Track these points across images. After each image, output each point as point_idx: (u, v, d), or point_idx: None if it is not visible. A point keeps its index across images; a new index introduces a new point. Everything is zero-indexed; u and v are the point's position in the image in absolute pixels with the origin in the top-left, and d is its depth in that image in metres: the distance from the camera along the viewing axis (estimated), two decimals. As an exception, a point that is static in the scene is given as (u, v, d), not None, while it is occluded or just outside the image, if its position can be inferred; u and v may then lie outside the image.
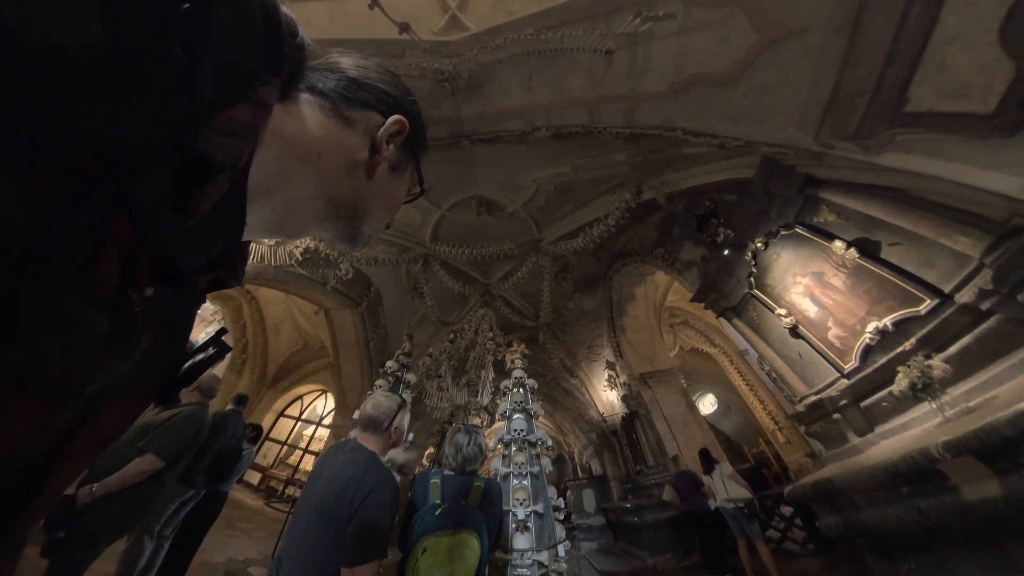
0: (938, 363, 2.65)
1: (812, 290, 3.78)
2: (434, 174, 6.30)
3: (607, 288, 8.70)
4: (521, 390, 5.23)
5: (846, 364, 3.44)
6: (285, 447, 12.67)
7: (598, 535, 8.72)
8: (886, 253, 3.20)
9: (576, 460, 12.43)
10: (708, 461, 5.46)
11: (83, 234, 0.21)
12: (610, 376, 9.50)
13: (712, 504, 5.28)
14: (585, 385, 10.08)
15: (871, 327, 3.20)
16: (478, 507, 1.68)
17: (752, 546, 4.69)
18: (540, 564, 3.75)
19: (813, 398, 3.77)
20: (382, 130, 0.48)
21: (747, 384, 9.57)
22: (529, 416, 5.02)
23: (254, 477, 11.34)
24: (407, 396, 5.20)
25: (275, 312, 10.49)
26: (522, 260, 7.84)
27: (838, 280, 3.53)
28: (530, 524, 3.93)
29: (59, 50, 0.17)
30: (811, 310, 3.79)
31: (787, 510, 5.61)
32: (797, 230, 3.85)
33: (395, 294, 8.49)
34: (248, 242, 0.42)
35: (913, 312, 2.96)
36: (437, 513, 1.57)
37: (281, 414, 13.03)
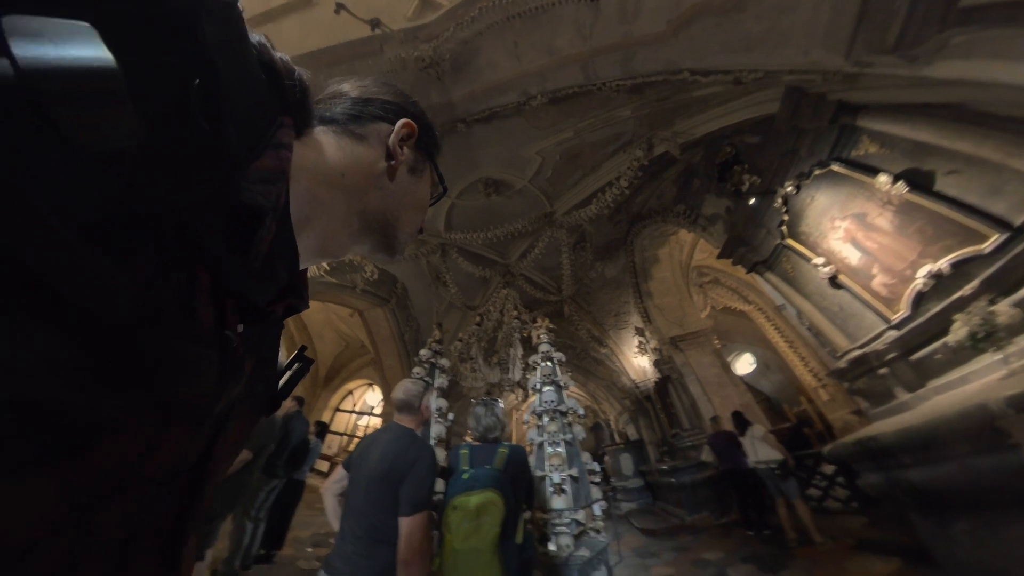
0: (1004, 308, 2.24)
1: (853, 234, 3.34)
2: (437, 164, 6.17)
3: (629, 253, 8.30)
4: (549, 363, 5.18)
5: (894, 314, 3.05)
6: (345, 437, 13.77)
7: (637, 496, 8.73)
8: (941, 184, 2.72)
9: (613, 427, 12.40)
10: (741, 423, 5.21)
11: (178, 291, 0.24)
12: (640, 342, 9.22)
13: (750, 463, 5.08)
14: (615, 353, 9.88)
15: (924, 271, 2.79)
16: (502, 469, 1.84)
17: (791, 504, 4.48)
18: (577, 523, 3.80)
19: (857, 353, 3.40)
20: (392, 136, 0.51)
21: (786, 341, 8.98)
22: (559, 387, 4.98)
23: (323, 466, 12.40)
24: (443, 380, 5.35)
25: (316, 321, 11.05)
26: (537, 236, 7.60)
27: (884, 220, 3.08)
28: (566, 487, 3.98)
29: (119, 153, 0.20)
30: (853, 257, 3.36)
31: (829, 468, 5.29)
32: (833, 168, 3.36)
33: (420, 286, 8.58)
34: (306, 269, 0.45)
35: (975, 251, 2.52)
36: (465, 477, 1.77)
37: (337, 409, 14.00)
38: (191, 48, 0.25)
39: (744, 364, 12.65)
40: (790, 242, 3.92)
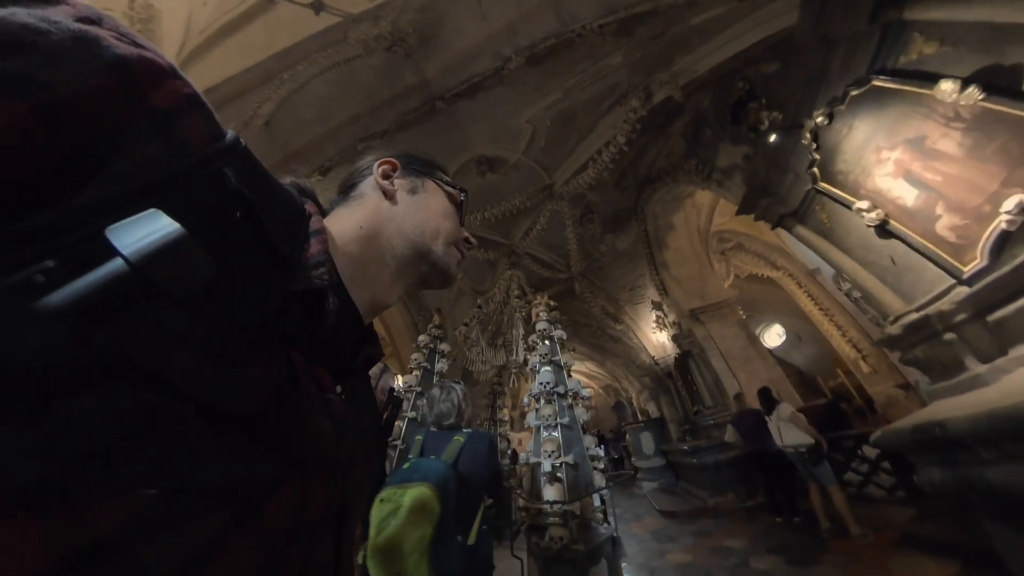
0: None
1: (908, 167, 2.59)
2: (424, 149, 5.91)
3: (640, 222, 7.55)
4: (547, 342, 4.72)
5: (965, 265, 2.33)
6: None
7: (659, 475, 8.24)
8: (1035, 81, 1.96)
9: (635, 405, 11.85)
10: (768, 401, 4.55)
11: (287, 374, 0.31)
12: (658, 317, 8.54)
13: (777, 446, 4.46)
14: (632, 329, 9.24)
15: (1010, 204, 2.05)
16: (451, 462, 1.67)
17: (825, 490, 3.86)
18: (573, 514, 3.37)
19: (914, 316, 2.69)
20: (378, 177, 0.56)
21: (820, 309, 8.01)
22: (559, 367, 4.53)
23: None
24: (443, 365, 5.13)
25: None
26: (538, 211, 7.04)
27: (950, 143, 2.33)
28: (560, 475, 3.52)
29: (207, 286, 0.25)
30: (907, 196, 2.62)
31: (872, 451, 4.57)
32: (876, 83, 2.58)
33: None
34: (371, 323, 0.51)
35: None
36: (405, 467, 1.62)
37: None
38: (226, 190, 0.29)
39: (773, 336, 11.65)
40: (824, 186, 3.17)
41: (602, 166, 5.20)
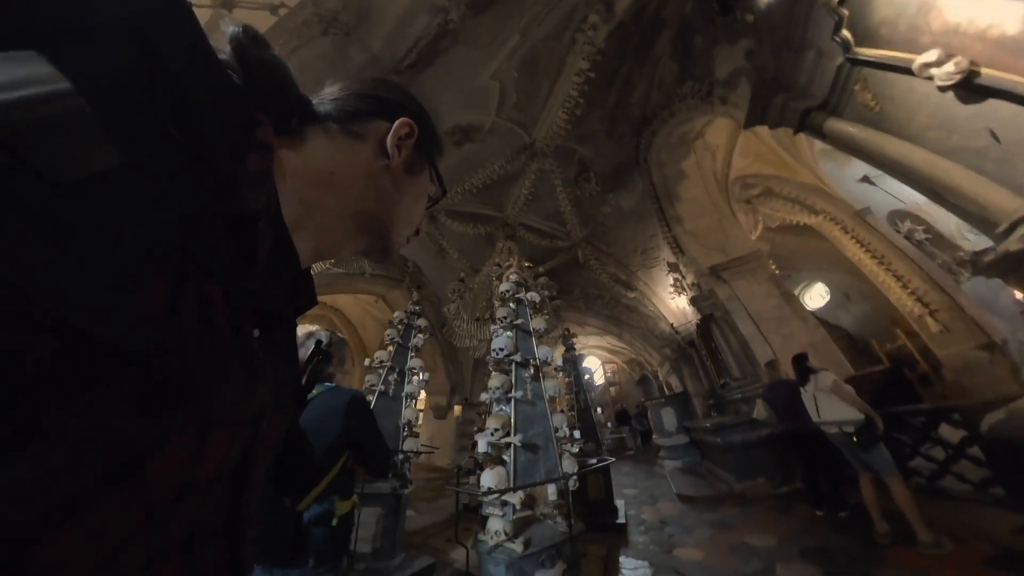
0: None
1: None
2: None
3: (645, 174, 6.45)
4: (513, 305, 3.97)
5: None
6: None
7: (682, 453, 7.30)
8: None
9: (661, 379, 10.79)
10: (802, 369, 3.53)
11: (195, 310, 0.24)
12: (675, 280, 7.44)
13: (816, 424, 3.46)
14: (647, 296, 8.19)
15: None
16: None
17: (882, 481, 2.85)
18: (515, 507, 2.70)
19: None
20: (390, 135, 0.46)
21: (874, 257, 6.51)
22: (526, 333, 3.78)
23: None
24: (419, 340, 4.74)
25: (355, 314, 11.22)
26: (524, 173, 6.19)
27: None
28: (506, 457, 2.90)
29: (93, 179, 0.18)
30: (1009, 16, 1.55)
31: (953, 432, 3.41)
32: None
33: (429, 259, 7.90)
34: (308, 268, 0.44)
35: None
36: None
37: None
38: (148, 60, 0.23)
39: (815, 297, 10.05)
40: (863, 51, 2.11)
41: (572, 103, 4.35)
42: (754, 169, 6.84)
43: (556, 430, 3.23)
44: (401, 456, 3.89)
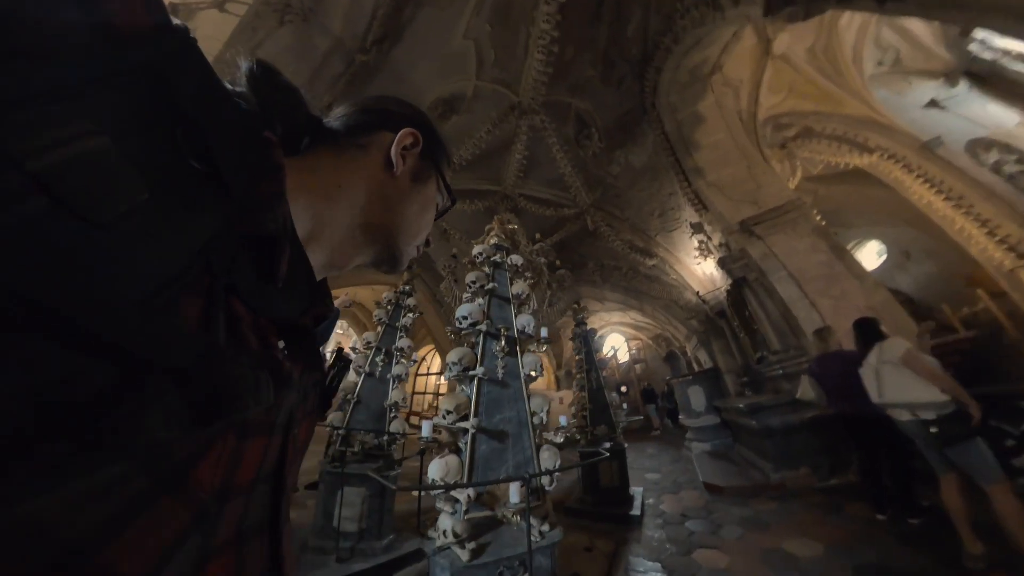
0: None
1: None
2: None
3: (654, 122, 5.47)
4: (489, 269, 3.33)
5: None
6: (429, 395, 15.73)
7: (712, 435, 6.45)
8: None
9: (690, 355, 9.79)
10: (868, 336, 2.66)
11: (226, 326, 0.26)
12: (700, 242, 6.45)
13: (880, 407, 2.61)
14: (668, 263, 7.24)
15: None
16: None
17: (978, 487, 2.00)
18: (465, 506, 2.19)
19: None
20: (394, 145, 0.46)
21: (947, 198, 5.17)
22: (502, 300, 3.16)
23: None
24: (408, 319, 4.41)
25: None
26: (515, 137, 5.46)
27: None
28: (462, 445, 2.40)
29: (127, 214, 0.20)
30: None
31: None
32: None
33: (437, 245, 7.46)
34: (325, 278, 0.44)
35: None
36: None
37: (416, 374, 15.58)
38: (166, 98, 0.24)
39: (867, 258, 8.53)
40: None
41: (547, 40, 3.67)
42: (788, 106, 5.62)
43: (534, 415, 2.61)
44: (387, 438, 3.59)
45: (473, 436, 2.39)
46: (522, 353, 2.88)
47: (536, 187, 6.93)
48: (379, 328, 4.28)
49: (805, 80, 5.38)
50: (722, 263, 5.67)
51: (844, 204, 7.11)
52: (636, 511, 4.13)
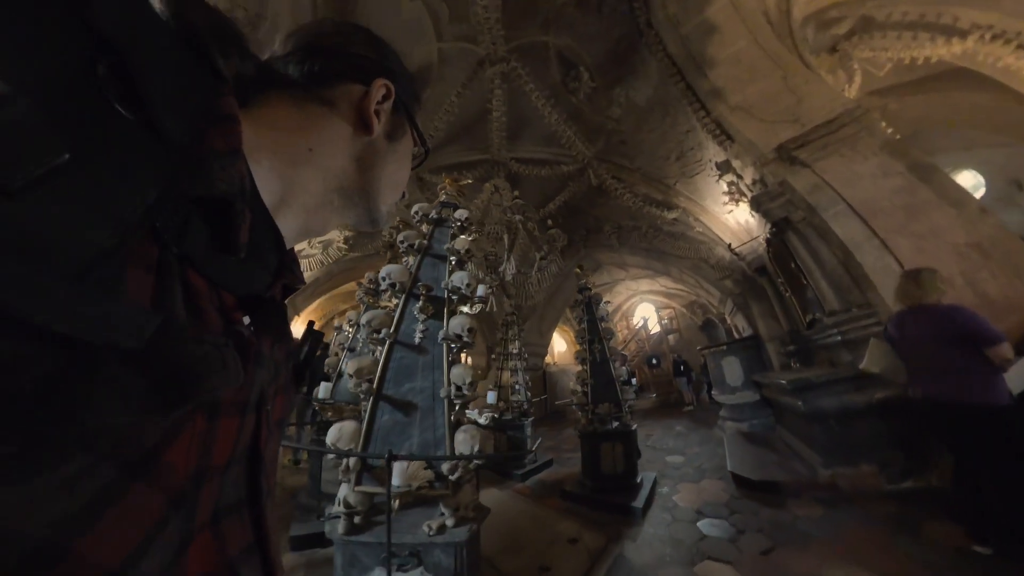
0: None
1: None
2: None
3: (654, 45, 4.30)
4: (425, 227, 2.72)
5: None
6: None
7: (749, 413, 5.34)
8: None
9: (729, 323, 8.38)
10: None
11: (182, 302, 0.23)
12: (730, 184, 5.14)
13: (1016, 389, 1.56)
14: (693, 215, 5.96)
15: None
16: None
17: None
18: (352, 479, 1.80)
19: None
20: (367, 101, 0.40)
21: None
22: (437, 259, 2.54)
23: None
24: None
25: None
26: (491, 94, 4.59)
27: None
28: (364, 414, 1.95)
29: (44, 178, 0.16)
30: None
31: None
32: None
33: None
34: (293, 248, 0.40)
35: None
36: None
37: None
38: (81, 29, 0.19)
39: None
40: None
41: None
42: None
43: (458, 388, 1.94)
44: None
45: (373, 404, 1.90)
46: (452, 315, 2.23)
47: (531, 147, 6.00)
48: (361, 308, 4.07)
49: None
50: (757, 203, 4.38)
51: (922, 121, 5.16)
52: (640, 502, 3.37)
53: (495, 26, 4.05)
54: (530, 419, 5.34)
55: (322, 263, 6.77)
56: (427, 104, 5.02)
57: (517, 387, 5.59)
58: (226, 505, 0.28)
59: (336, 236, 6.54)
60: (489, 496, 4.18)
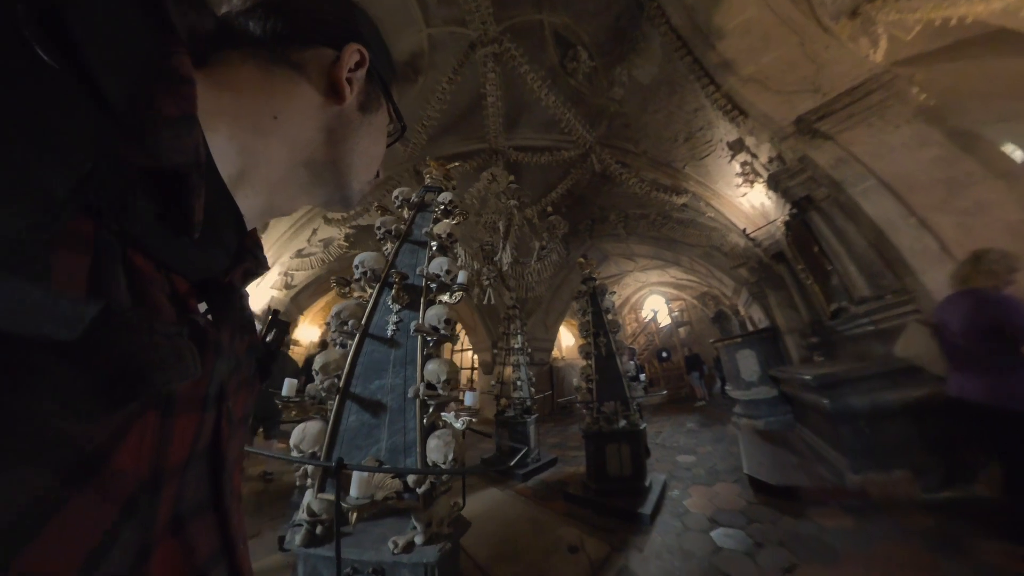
0: None
1: None
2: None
3: (657, 18, 3.99)
4: (406, 212, 2.50)
5: None
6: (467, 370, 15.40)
7: (766, 410, 4.98)
8: None
9: (743, 315, 7.95)
10: None
11: (125, 287, 0.20)
12: (744, 165, 4.76)
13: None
14: (704, 199, 5.59)
15: None
16: None
17: None
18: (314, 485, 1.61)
19: None
20: (338, 67, 0.36)
21: None
22: (417, 245, 2.33)
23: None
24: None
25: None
26: (484, 78, 4.33)
27: None
28: (330, 413, 1.75)
29: None
30: None
31: None
32: None
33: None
34: (255, 229, 0.36)
35: None
36: None
37: (453, 350, 15.35)
38: None
39: None
40: None
41: None
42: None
43: (431, 387, 1.72)
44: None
45: (339, 403, 1.71)
46: (429, 305, 2.02)
47: (530, 135, 5.72)
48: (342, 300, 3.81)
49: None
50: (774, 181, 4.01)
51: (957, 91, 4.60)
52: (648, 508, 3.11)
53: (484, 4, 3.78)
54: (534, 416, 5.11)
55: (323, 261, 6.66)
56: (423, 91, 4.79)
57: (519, 383, 5.36)
58: (188, 509, 0.26)
59: (337, 234, 6.40)
60: (489, 497, 3.98)
